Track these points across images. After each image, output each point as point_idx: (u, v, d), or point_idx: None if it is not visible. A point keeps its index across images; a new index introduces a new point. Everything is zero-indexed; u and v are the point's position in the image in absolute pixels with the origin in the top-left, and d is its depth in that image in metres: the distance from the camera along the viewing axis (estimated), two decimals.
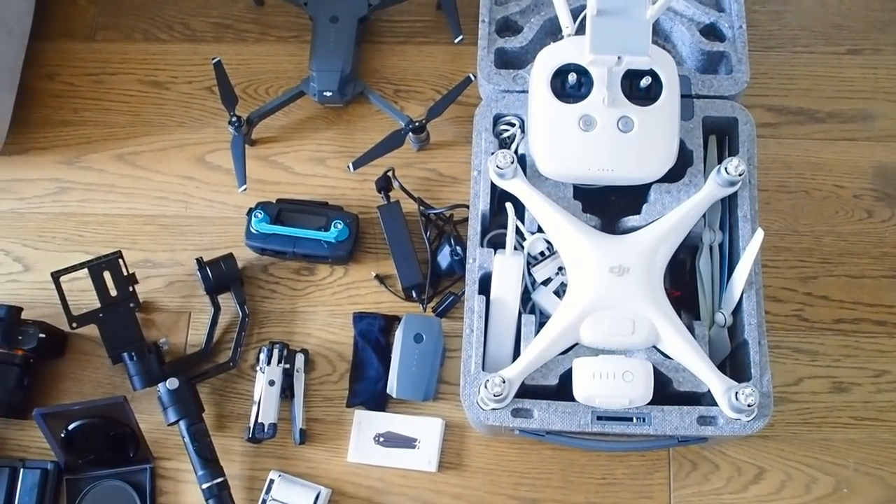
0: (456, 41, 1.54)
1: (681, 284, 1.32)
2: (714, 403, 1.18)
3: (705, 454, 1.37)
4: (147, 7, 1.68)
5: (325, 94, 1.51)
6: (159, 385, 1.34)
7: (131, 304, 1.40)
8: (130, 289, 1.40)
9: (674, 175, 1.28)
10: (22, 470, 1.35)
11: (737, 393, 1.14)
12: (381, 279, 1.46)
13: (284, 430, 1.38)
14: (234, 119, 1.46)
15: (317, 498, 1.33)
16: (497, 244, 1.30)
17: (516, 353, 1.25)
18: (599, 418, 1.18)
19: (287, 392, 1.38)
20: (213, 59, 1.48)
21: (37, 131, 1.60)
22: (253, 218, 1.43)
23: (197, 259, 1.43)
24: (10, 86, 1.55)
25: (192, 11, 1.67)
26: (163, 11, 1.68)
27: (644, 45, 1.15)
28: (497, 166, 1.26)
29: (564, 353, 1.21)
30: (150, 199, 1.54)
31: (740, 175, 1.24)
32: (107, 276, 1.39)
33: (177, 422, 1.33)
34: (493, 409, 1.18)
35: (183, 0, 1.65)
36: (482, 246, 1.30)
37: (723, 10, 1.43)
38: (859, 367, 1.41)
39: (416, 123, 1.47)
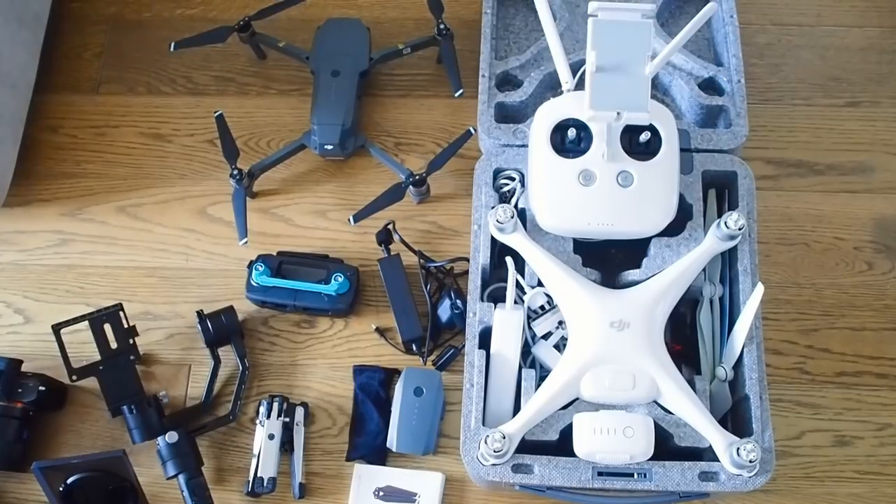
0: (456, 95, 1.55)
1: (682, 338, 1.32)
2: (716, 459, 1.17)
3: None
4: (151, 61, 1.70)
5: (326, 147, 1.52)
6: (158, 439, 1.33)
7: (131, 357, 1.40)
8: (131, 341, 1.40)
9: (674, 229, 1.28)
10: None
11: (738, 449, 1.13)
12: (381, 332, 1.46)
13: (284, 484, 1.37)
14: (235, 172, 1.47)
15: None
16: (497, 298, 1.30)
17: (516, 408, 1.24)
18: (600, 474, 1.18)
19: (286, 446, 1.37)
20: (215, 112, 1.50)
21: (39, 183, 1.61)
22: (254, 271, 1.43)
23: (197, 312, 1.43)
24: (14, 138, 1.56)
25: (195, 65, 1.69)
26: (166, 65, 1.69)
27: (643, 101, 1.16)
28: (497, 220, 1.26)
29: (565, 407, 1.21)
30: (151, 251, 1.55)
31: (740, 229, 1.24)
32: (107, 328, 1.39)
33: (176, 476, 1.32)
34: (494, 464, 1.18)
35: (186, 54, 1.67)
36: (482, 300, 1.30)
37: (721, 65, 1.45)
38: (862, 420, 1.40)
39: (417, 177, 1.48)
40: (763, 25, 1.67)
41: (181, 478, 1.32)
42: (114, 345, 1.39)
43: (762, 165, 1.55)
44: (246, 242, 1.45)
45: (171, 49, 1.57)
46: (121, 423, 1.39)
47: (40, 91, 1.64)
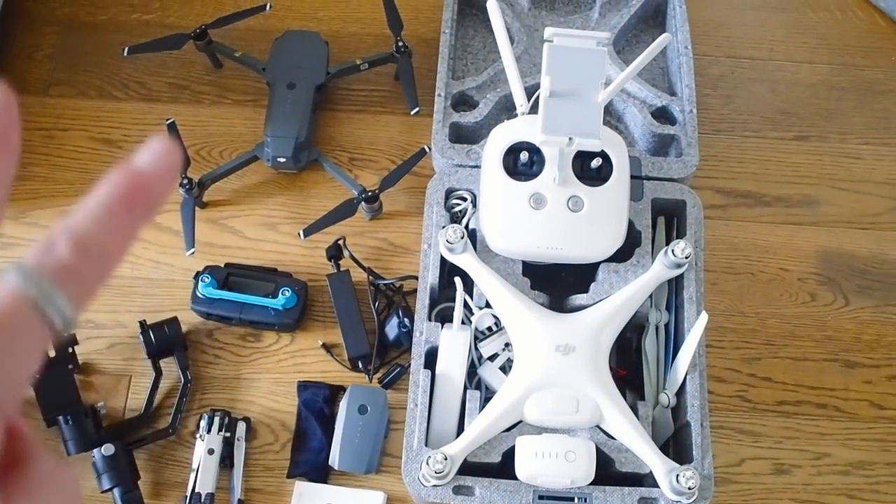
0: (412, 113, 1.55)
1: (627, 364, 1.32)
2: (656, 485, 1.18)
3: None
4: (104, 64, 1.67)
5: (279, 159, 1.50)
6: (94, 451, 1.30)
7: (70, 366, 1.37)
8: (70, 350, 1.37)
9: (622, 255, 1.29)
10: None
11: (678, 475, 1.14)
12: (327, 348, 1.44)
13: (222, 500, 1.34)
14: (185, 181, 1.45)
15: None
16: (445, 318, 1.30)
17: (460, 429, 1.24)
18: (541, 497, 1.17)
19: (227, 461, 1.35)
20: (167, 119, 1.48)
21: None
22: (200, 282, 1.41)
23: (140, 322, 1.40)
24: None
25: (149, 71, 1.66)
26: (119, 69, 1.67)
27: (595, 128, 1.17)
28: (447, 241, 1.26)
29: (508, 430, 1.21)
30: None
31: (686, 258, 1.25)
32: None
33: (111, 489, 1.29)
34: (435, 485, 1.17)
35: (140, 59, 1.64)
36: (430, 319, 1.29)
37: (675, 94, 1.47)
38: (800, 449, 1.41)
39: (370, 193, 1.47)
40: (717, 57, 1.70)
41: (116, 491, 1.29)
42: (51, 353, 1.36)
43: (711, 195, 1.57)
44: (193, 253, 1.43)
45: (125, 54, 1.55)
46: (56, 433, 1.35)
47: None
